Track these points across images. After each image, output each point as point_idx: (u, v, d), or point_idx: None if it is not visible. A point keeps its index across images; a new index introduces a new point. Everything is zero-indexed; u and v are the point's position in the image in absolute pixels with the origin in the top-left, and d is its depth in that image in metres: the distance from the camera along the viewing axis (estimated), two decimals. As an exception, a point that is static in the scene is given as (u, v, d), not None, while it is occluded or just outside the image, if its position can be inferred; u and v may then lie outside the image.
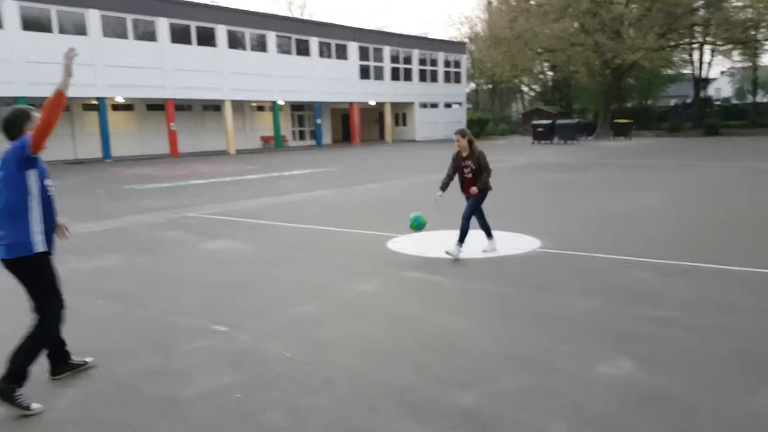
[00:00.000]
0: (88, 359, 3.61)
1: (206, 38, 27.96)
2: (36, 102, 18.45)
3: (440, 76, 42.20)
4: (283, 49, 31.81)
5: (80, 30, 23.51)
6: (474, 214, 6.17)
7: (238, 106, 31.87)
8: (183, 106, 29.72)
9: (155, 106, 28.24)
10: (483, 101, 60.82)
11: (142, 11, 25.43)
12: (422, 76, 40.68)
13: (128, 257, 6.82)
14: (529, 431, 2.78)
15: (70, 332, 3.57)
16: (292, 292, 5.23)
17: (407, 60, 39.51)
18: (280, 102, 32.06)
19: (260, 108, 34.32)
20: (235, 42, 29.26)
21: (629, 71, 37.34)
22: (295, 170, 18.49)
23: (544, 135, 30.91)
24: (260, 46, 30.55)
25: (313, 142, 36.39)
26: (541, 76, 54.16)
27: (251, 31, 29.91)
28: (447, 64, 42.66)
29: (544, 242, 6.89)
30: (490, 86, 55.70)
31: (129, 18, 25.04)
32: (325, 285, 5.43)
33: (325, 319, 4.48)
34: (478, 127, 43.27)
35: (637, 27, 34.28)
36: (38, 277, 3.22)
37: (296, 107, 36.21)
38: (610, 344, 3.80)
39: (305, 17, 51.80)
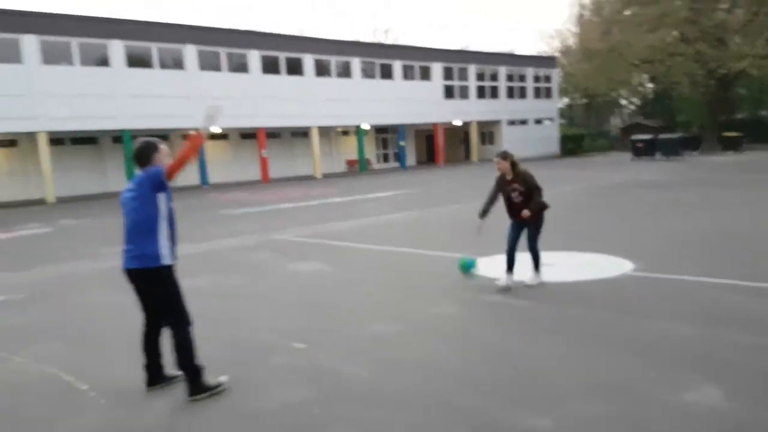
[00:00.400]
0: (179, 372, 3.94)
1: (294, 68, 29.50)
2: (138, 133, 20.40)
3: (529, 91, 41.54)
4: (368, 73, 32.84)
5: (178, 64, 25.65)
6: (529, 240, 5.80)
7: (325, 131, 33.16)
8: (273, 134, 31.40)
9: (248, 135, 30.06)
10: (578, 116, 59.03)
11: (235, 45, 27.33)
12: (510, 92, 40.26)
13: (219, 278, 7.32)
14: (608, 459, 2.71)
15: (162, 347, 3.94)
16: (371, 312, 5.39)
17: (494, 77, 39.32)
18: (365, 126, 33.00)
19: (345, 132, 35.48)
20: (321, 70, 30.62)
21: (736, 80, 34.86)
22: (379, 192, 18.90)
23: (644, 150, 29.44)
24: (345, 72, 31.75)
25: (397, 165, 36.98)
26: (641, 89, 51.79)
27: (337, 58, 31.19)
28: (537, 79, 41.95)
29: (637, 265, 6.61)
30: (585, 101, 54.00)
31: (223, 52, 26.99)
32: (403, 306, 5.55)
33: (403, 340, 4.58)
34: (573, 143, 42.03)
35: (743, 33, 32.04)
36: (165, 289, 3.62)
37: (380, 130, 37.07)
38: (700, 372, 3.60)
39: (389, 41, 53.18)
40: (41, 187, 23.04)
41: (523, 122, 41.17)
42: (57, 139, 23.96)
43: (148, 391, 3.79)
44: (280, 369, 4.09)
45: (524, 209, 5.61)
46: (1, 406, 3.76)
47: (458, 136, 41.77)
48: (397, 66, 33.87)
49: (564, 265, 6.87)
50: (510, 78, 40.26)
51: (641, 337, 4.31)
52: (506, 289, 5.78)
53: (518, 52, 44.96)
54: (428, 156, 41.09)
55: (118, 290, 6.84)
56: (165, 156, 3.66)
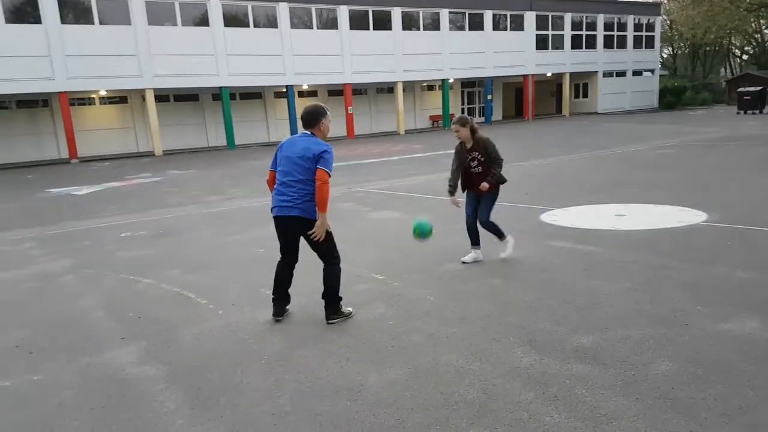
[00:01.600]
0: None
1: (382, 22, 29.75)
2: (234, 90, 21.58)
3: (629, 41, 39.23)
4: (457, 25, 32.43)
5: (272, 23, 26.72)
6: (481, 212, 5.44)
7: (409, 86, 33.40)
8: (359, 90, 32.11)
9: (335, 92, 30.97)
10: (682, 67, 54.93)
11: (325, 1, 27.95)
12: (608, 42, 38.25)
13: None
14: (634, 367, 3.18)
15: (270, 275, 4.76)
16: (442, 254, 5.97)
17: (591, 26, 37.46)
18: (450, 80, 32.84)
19: (430, 87, 35.49)
20: (409, 23, 30.64)
21: None
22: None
23: (751, 104, 27.31)
24: (433, 24, 31.55)
25: (482, 119, 36.61)
26: (757, 35, 47.16)
27: (425, 10, 31.01)
28: (637, 27, 39.47)
29: (711, 216, 6.70)
30: (689, 50, 50.07)
31: (313, 8, 27.73)
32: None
33: (470, 275, 5.15)
34: (672, 96, 39.51)
35: None
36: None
37: (466, 84, 36.70)
38: (747, 309, 3.90)
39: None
40: (149, 140, 25.33)
41: (621, 74, 39.12)
42: (162, 96, 26.01)
43: (275, 321, 4.31)
44: (364, 293, 4.82)
45: (482, 181, 5.28)
46: (135, 312, 4.75)
47: (549, 89, 40.45)
48: (488, 16, 33.13)
49: (637, 216, 7.07)
50: (609, 27, 38.16)
51: (699, 281, 4.60)
52: (474, 262, 5.51)
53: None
54: (516, 110, 40.25)
55: (223, 231, 7.91)
56: (329, 121, 4.26)
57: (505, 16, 34.07)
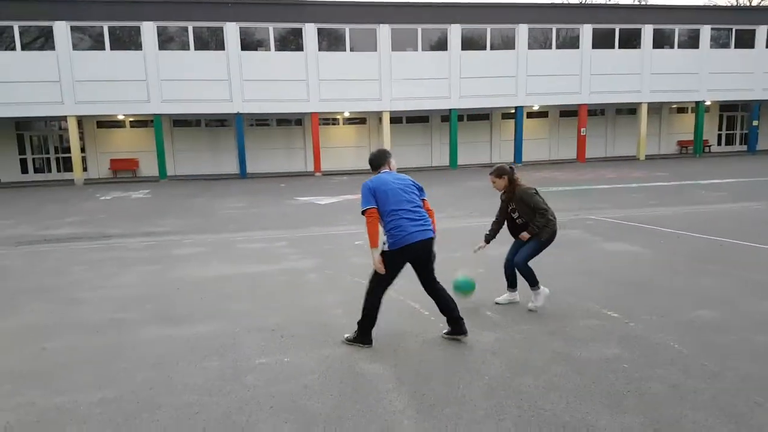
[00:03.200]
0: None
1: (629, 40, 28.03)
2: (464, 112, 22.22)
3: None
4: (719, 42, 28.98)
5: (508, 45, 27.01)
6: (520, 251, 5.17)
7: (655, 108, 30.75)
8: (595, 111, 30.61)
9: (568, 113, 30.00)
10: None
11: (567, 21, 27.35)
12: None
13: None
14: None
15: (491, 296, 4.81)
16: (690, 297, 5.37)
17: None
18: (707, 102, 29.37)
19: (681, 110, 32.19)
20: (661, 40, 28.34)
21: None
22: (715, 179, 16.96)
23: None
24: (690, 41, 28.67)
25: (744, 148, 31.91)
26: None
27: (681, 27, 28.38)
28: None
29: None
30: None
31: (554, 28, 27.35)
32: (731, 297, 5.35)
33: (725, 326, 4.55)
34: None
35: None
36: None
37: (726, 107, 32.44)
38: None
39: (755, 2, 45.38)
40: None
41: None
42: (396, 118, 28.09)
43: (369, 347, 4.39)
44: (594, 329, 4.59)
45: (523, 232, 5.14)
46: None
47: (842, 116, 33.59)
48: (761, 31, 28.95)
49: None
50: None
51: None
52: (509, 303, 5.36)
53: None
54: (791, 140, 34.23)
55: (443, 248, 8.19)
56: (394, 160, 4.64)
57: (785, 30, 29.37)
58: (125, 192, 19.39)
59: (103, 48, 23.50)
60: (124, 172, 26.72)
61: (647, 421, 3.09)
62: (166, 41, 24.24)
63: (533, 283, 5.11)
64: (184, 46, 24.27)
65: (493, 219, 5.40)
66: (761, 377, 3.58)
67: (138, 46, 23.80)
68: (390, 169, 4.55)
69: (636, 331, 4.51)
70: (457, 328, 4.41)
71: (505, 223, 5.35)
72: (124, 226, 11.44)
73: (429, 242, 4.30)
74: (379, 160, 4.55)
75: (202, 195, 17.72)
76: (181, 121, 27.11)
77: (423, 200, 4.45)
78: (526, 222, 5.12)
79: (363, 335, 4.39)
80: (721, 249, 7.49)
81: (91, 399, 3.64)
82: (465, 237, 9.05)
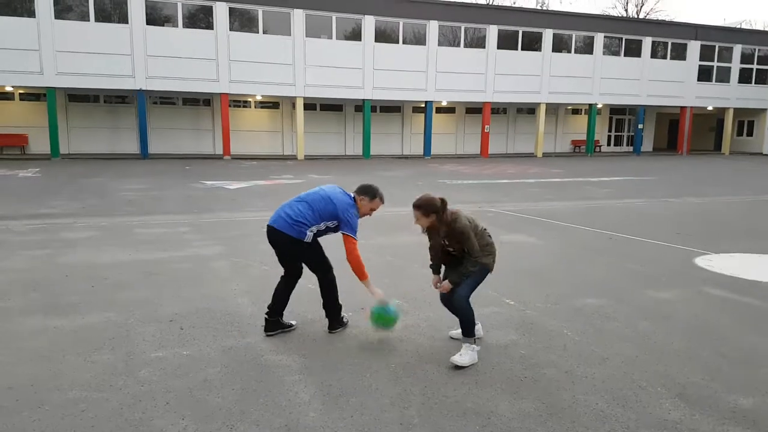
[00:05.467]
0: (293, 322, 4.44)
1: (531, 43, 29.23)
2: (376, 103, 22.24)
3: (813, 77, 34.88)
4: (611, 50, 30.97)
5: (420, 40, 27.33)
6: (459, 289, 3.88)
7: (553, 109, 32.40)
8: (498, 110, 31.75)
9: (474, 110, 30.89)
10: None
11: (475, 20, 28.07)
12: (784, 77, 34.33)
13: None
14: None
15: (399, 283, 4.78)
16: (581, 286, 5.66)
17: (763, 60, 33.87)
18: (599, 105, 31.37)
19: (575, 111, 34.16)
20: (560, 45, 29.80)
21: None
22: (604, 177, 18.16)
23: None
24: (586, 48, 30.41)
25: (630, 149, 34.49)
26: None
27: (578, 33, 30.00)
28: (826, 61, 34.98)
29: None
30: None
31: (463, 27, 27.96)
32: (618, 286, 5.69)
33: (612, 313, 4.82)
34: None
35: None
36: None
37: (616, 111, 34.85)
38: None
39: (642, 15, 48.90)
40: (294, 145, 27.03)
41: (799, 113, 34.83)
42: (310, 105, 27.63)
43: (267, 336, 4.24)
44: (494, 316, 4.69)
45: (459, 263, 3.95)
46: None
47: (709, 124, 37.15)
48: (647, 42, 31.25)
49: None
50: (789, 59, 34.23)
51: None
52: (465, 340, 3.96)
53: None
54: (669, 143, 37.42)
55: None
56: (372, 206, 4.34)
57: (666, 44, 31.90)
58: (11, 170, 17.66)
59: (-11, 12, 21.18)
60: (11, 148, 24.34)
61: (543, 406, 3.19)
62: (63, 10, 22.22)
63: (469, 332, 3.81)
64: (84, 17, 22.38)
65: (431, 252, 4.21)
66: (644, 361, 3.81)
67: (31, 13, 21.66)
68: (360, 205, 4.30)
69: (531, 318, 4.67)
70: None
71: None
72: (8, 208, 10.39)
73: (270, 229, 4.20)
74: (365, 190, 4.34)
75: (97, 175, 16.50)
76: (78, 96, 25.07)
77: (343, 234, 4.18)
78: (461, 254, 3.94)
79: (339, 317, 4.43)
80: (609, 241, 7.98)
81: (-40, 398, 3.22)
82: (376, 225, 9.04)
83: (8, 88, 23.44)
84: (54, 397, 3.24)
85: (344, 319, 4.46)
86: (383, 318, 4.07)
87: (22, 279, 5.68)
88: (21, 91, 24.19)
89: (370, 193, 4.28)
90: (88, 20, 22.33)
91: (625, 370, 3.66)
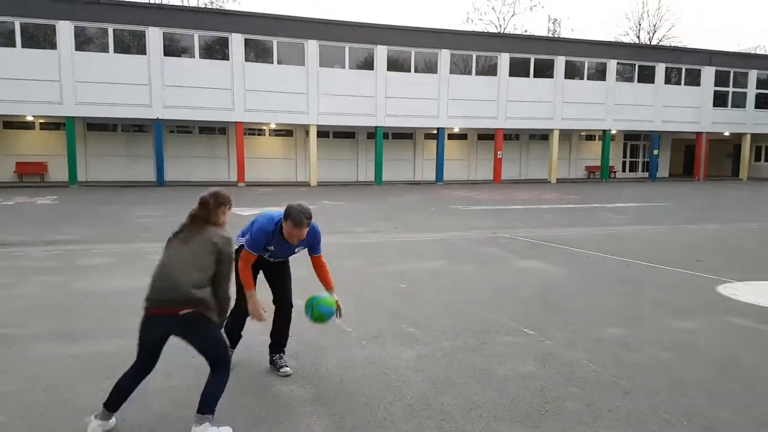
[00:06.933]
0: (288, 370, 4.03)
1: (543, 70, 29.39)
2: (389, 131, 22.50)
3: (828, 102, 34.61)
4: (624, 76, 31.04)
5: (432, 69, 27.62)
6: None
7: (566, 135, 32.39)
8: (511, 136, 31.81)
9: (486, 136, 30.98)
10: None
11: (486, 49, 28.35)
12: (804, 103, 34.11)
13: (453, 264, 8.07)
14: None
15: (412, 311, 4.71)
16: (601, 314, 5.52)
17: (781, 84, 33.75)
18: (613, 131, 31.32)
19: (589, 137, 34.11)
20: (572, 72, 29.94)
21: None
22: (620, 203, 17.98)
23: None
24: (598, 74, 30.51)
25: (646, 175, 34.27)
26: None
27: (590, 60, 30.15)
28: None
29: None
30: None
31: (474, 55, 28.23)
32: (639, 315, 5.55)
33: (635, 344, 4.67)
34: None
35: None
36: None
37: (630, 137, 34.75)
38: None
39: (654, 41, 49.09)
40: (307, 171, 27.20)
41: (819, 138, 34.50)
42: (323, 132, 27.89)
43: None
44: (511, 346, 4.58)
45: None
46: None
47: (726, 150, 36.89)
48: (660, 69, 31.30)
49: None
50: (806, 85, 34.07)
51: None
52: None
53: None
54: (685, 169, 37.16)
55: (367, 262, 8.10)
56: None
57: (680, 70, 31.93)
58: (31, 197, 17.93)
59: (14, 45, 21.81)
60: (31, 176, 24.76)
61: (565, 440, 3.07)
62: (84, 42, 22.85)
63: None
64: (104, 49, 22.97)
65: None
66: (669, 394, 3.67)
67: (53, 45, 22.28)
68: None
69: (551, 348, 4.55)
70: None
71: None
72: (26, 234, 10.49)
73: None
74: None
75: (114, 202, 16.68)
76: (96, 125, 25.54)
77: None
78: None
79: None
80: (628, 269, 7.83)
81: (-31, 427, 3.18)
82: (388, 251, 8.99)
83: (29, 118, 23.98)
84: (64, 427, 3.19)
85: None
86: (322, 309, 3.85)
87: (37, 305, 5.68)
88: (41, 121, 24.71)
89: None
90: (108, 52, 22.90)
91: (649, 403, 3.53)
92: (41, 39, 22.45)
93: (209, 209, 3.28)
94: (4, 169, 24.48)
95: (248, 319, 4.04)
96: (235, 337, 4.24)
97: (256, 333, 4.88)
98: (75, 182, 23.03)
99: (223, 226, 3.34)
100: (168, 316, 3.02)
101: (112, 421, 3.13)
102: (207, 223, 3.25)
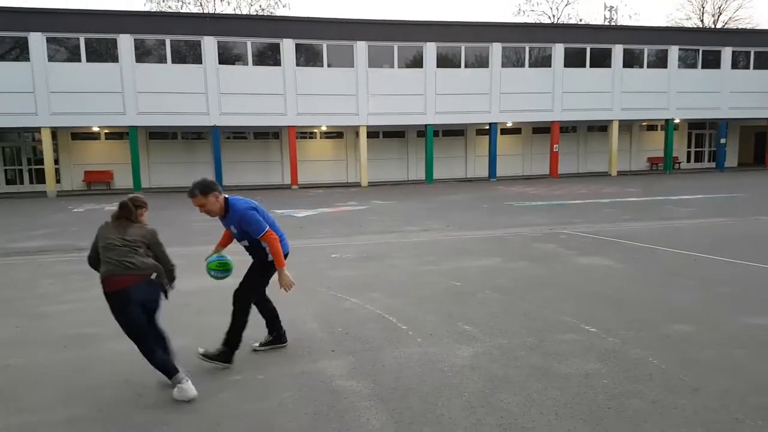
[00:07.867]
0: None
1: (600, 59, 28.56)
2: (439, 128, 22.29)
3: None
4: (687, 62, 29.75)
5: (483, 63, 27.32)
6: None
7: (626, 125, 31.33)
8: (567, 128, 31.04)
9: (541, 129, 30.36)
10: None
11: (539, 40, 27.81)
12: None
13: (508, 261, 7.99)
14: None
15: (467, 309, 4.71)
16: (666, 311, 5.35)
17: None
18: (676, 120, 30.06)
19: (651, 127, 32.86)
20: (631, 60, 28.95)
21: None
22: (685, 195, 17.26)
23: None
24: (659, 61, 29.36)
25: (712, 165, 32.69)
26: None
27: (650, 47, 29.06)
28: None
29: None
30: None
31: (527, 47, 27.75)
32: (707, 311, 5.35)
33: (704, 341, 4.52)
34: None
35: None
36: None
37: (695, 125, 33.24)
38: None
39: (720, 25, 46.81)
40: (358, 172, 27.48)
41: None
42: (373, 133, 28.08)
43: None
44: (572, 344, 4.52)
45: None
46: (344, 328, 5.06)
47: (802, 135, 34.69)
48: (727, 53, 29.80)
49: None
50: None
51: None
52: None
53: None
54: (756, 157, 35.22)
55: (419, 260, 8.13)
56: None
57: (747, 53, 30.30)
58: (99, 204, 18.93)
59: (79, 60, 23.09)
60: (98, 184, 26.13)
61: (629, 438, 3.02)
62: (143, 54, 23.90)
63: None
64: (162, 59, 23.96)
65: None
66: (741, 393, 3.54)
67: (114, 58, 23.42)
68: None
69: (614, 345, 4.45)
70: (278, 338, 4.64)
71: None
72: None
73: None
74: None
75: (175, 207, 17.38)
76: (157, 134, 26.67)
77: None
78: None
79: (232, 352, 4.29)
80: (695, 263, 7.54)
81: (56, 418, 3.43)
82: (440, 250, 8.99)
83: (95, 128, 25.31)
84: (140, 418, 3.39)
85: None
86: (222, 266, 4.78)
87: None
88: (106, 131, 26.02)
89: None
90: (166, 62, 23.87)
91: (719, 401, 3.41)
92: (104, 53, 23.64)
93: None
94: (74, 178, 25.94)
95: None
96: (272, 317, 4.65)
97: (315, 330, 5.02)
98: (139, 188, 24.12)
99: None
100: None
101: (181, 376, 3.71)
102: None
